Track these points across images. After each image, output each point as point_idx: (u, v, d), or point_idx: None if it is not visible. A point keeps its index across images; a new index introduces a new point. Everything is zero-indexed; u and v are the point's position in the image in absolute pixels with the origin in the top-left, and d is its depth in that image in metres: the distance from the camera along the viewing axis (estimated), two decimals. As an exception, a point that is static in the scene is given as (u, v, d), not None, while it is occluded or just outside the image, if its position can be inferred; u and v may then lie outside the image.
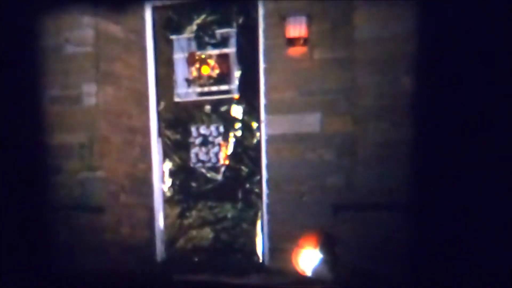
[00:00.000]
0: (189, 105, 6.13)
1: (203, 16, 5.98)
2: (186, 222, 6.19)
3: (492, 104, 4.33)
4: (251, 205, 5.92)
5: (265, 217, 5.74)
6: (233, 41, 5.92)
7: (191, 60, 6.02)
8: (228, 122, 5.98)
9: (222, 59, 5.97)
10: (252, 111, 5.85)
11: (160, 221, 6.26)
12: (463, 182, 4.37)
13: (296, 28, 5.29)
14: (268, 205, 5.68)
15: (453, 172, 4.42)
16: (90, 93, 5.54)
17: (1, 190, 5.52)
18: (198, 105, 6.09)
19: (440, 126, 4.50)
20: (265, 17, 5.58)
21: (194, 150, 6.12)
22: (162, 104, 6.21)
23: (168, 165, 6.24)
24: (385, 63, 4.72)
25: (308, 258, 4.97)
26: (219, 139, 6.02)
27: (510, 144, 4.23)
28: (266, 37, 5.58)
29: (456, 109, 4.42)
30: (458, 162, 4.40)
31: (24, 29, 5.58)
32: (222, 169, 6.03)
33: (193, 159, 6.13)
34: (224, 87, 5.98)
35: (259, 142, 5.80)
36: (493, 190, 4.26)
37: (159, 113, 6.22)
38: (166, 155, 6.24)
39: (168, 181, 6.25)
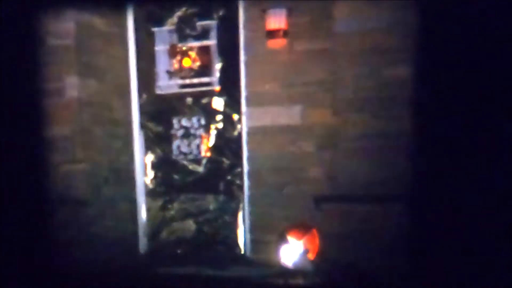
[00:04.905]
0: (170, 98, 6.11)
1: (184, 8, 5.95)
2: (168, 214, 6.19)
3: (472, 94, 4.31)
4: (232, 197, 5.93)
5: (247, 209, 5.76)
6: (214, 33, 5.90)
7: (172, 52, 6.00)
8: (210, 114, 5.98)
9: (203, 51, 5.96)
10: (233, 103, 5.85)
11: (142, 214, 6.26)
12: (448, 174, 4.35)
13: (276, 20, 5.31)
14: (250, 197, 5.71)
15: (437, 163, 4.41)
16: (73, 86, 5.49)
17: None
18: (180, 97, 6.08)
19: (421, 118, 4.50)
20: (246, 9, 5.60)
21: (176, 142, 6.11)
22: (144, 96, 6.20)
23: (150, 157, 6.23)
24: (365, 56, 4.70)
25: (289, 250, 4.98)
26: (201, 131, 6.01)
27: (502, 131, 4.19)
28: (246, 29, 5.60)
29: (438, 100, 4.41)
30: (442, 153, 4.38)
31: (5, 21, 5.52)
32: (204, 161, 6.02)
33: (175, 151, 6.12)
34: (205, 79, 5.97)
35: (240, 134, 5.81)
36: (483, 179, 4.24)
37: (141, 106, 6.21)
38: (148, 147, 6.23)
39: (150, 173, 6.24)
